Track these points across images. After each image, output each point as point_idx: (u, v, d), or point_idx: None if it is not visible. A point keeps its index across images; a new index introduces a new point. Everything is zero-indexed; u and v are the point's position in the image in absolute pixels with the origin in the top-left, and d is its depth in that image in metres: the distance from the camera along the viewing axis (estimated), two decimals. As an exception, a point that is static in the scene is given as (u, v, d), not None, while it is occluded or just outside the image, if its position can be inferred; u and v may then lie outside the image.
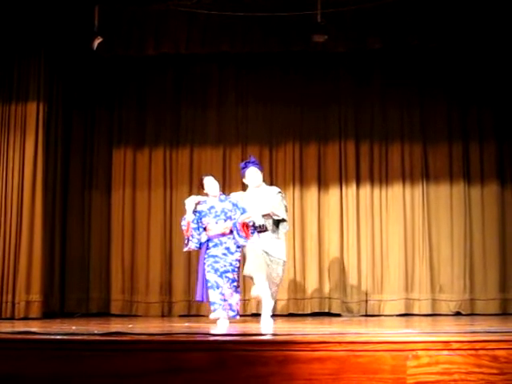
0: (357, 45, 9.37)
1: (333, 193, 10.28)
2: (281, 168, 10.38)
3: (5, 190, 8.99)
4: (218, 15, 8.91)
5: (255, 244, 7.78)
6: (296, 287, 10.06)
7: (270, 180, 9.92)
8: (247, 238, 7.60)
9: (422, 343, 4.66)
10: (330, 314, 9.93)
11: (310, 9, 8.52)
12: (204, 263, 7.57)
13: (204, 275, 7.54)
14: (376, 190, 10.30)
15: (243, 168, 8.29)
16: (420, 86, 10.38)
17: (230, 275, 7.52)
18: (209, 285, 7.49)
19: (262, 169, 8.37)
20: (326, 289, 10.09)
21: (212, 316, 7.43)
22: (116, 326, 7.15)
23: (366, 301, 10.02)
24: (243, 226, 7.57)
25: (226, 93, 10.53)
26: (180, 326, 7.22)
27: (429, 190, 10.27)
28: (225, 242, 7.60)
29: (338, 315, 9.89)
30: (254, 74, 10.46)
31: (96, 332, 5.32)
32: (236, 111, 10.47)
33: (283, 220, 8.03)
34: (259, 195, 8.06)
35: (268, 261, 7.88)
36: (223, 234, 7.61)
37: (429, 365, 4.57)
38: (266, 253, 7.90)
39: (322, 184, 10.33)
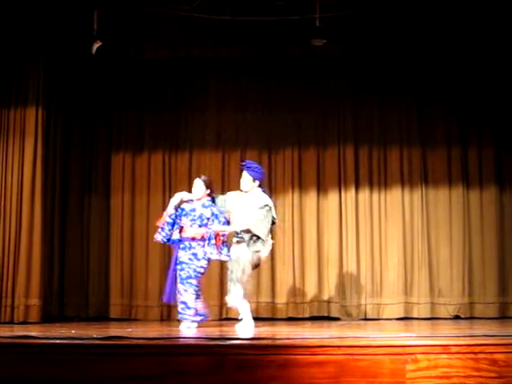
0: (355, 49, 9.40)
1: (332, 197, 10.28)
2: (280, 173, 10.37)
3: (4, 194, 8.98)
4: (217, 19, 8.92)
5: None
6: (295, 291, 10.06)
7: (269, 185, 9.91)
8: (217, 248, 7.54)
9: (420, 347, 4.67)
10: (329, 318, 9.93)
11: (308, 13, 8.52)
12: (175, 269, 7.62)
13: (173, 278, 7.60)
14: (375, 195, 10.31)
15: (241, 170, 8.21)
16: (419, 91, 10.39)
17: (193, 281, 7.50)
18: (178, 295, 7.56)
19: (255, 175, 7.96)
20: (325, 293, 10.09)
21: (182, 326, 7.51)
22: (115, 330, 7.16)
23: (365, 305, 10.02)
24: (216, 236, 7.55)
25: (224, 97, 10.53)
26: (179, 331, 7.22)
27: (428, 194, 10.28)
28: (193, 247, 7.59)
29: (337, 319, 9.89)
30: (252, 78, 10.47)
31: (95, 336, 5.33)
32: (235, 116, 10.47)
33: (259, 238, 7.71)
34: (246, 202, 7.89)
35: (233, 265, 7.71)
36: (193, 239, 7.61)
37: (428, 368, 4.58)
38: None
39: (321, 189, 10.33)
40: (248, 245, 7.71)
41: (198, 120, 10.45)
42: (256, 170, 8.02)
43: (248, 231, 7.69)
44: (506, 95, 10.14)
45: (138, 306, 10.09)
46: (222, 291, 10.08)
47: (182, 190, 10.15)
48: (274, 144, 10.40)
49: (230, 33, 9.17)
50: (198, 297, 7.58)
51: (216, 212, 7.70)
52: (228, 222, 7.78)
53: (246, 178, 7.95)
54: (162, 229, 7.72)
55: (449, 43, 9.22)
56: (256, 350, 4.66)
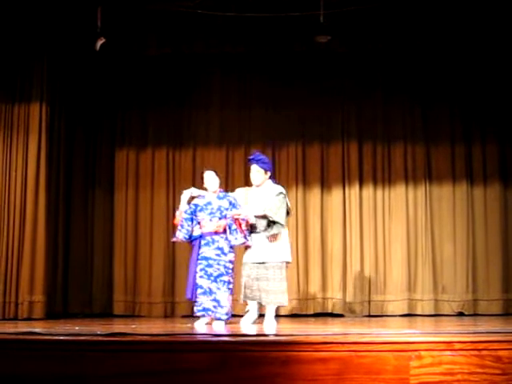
0: (360, 45, 9.38)
1: (336, 194, 10.28)
2: (284, 169, 10.37)
3: (8, 190, 8.99)
4: (221, 16, 8.91)
5: (248, 258, 7.50)
6: (299, 288, 10.07)
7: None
8: (242, 232, 7.37)
9: (424, 343, 4.66)
10: (332, 315, 9.94)
11: (313, 9, 8.51)
12: (196, 264, 7.43)
13: (195, 277, 7.41)
14: (379, 191, 10.31)
15: (248, 163, 7.95)
16: (423, 88, 10.38)
17: (226, 278, 7.37)
18: (200, 291, 7.35)
19: (266, 167, 7.71)
20: (329, 289, 10.10)
21: (199, 322, 7.34)
22: (119, 326, 7.16)
23: (369, 301, 10.03)
24: (236, 222, 7.38)
25: (228, 94, 10.54)
26: (183, 327, 7.22)
27: (431, 190, 10.27)
28: (217, 241, 7.43)
29: (341, 316, 9.90)
30: (256, 75, 10.46)
31: (99, 332, 5.32)
32: (239, 112, 10.47)
33: (275, 222, 7.50)
34: (260, 194, 7.66)
35: (263, 273, 7.45)
36: (216, 233, 7.44)
37: (432, 365, 4.57)
38: (261, 263, 7.47)
39: (325, 185, 10.33)
40: (265, 231, 7.49)
41: (201, 116, 10.46)
42: (266, 161, 7.78)
43: (264, 217, 7.49)
44: (509, 91, 10.12)
45: (142, 302, 10.11)
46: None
47: (185, 187, 10.17)
48: (278, 141, 10.39)
49: (233, 29, 9.15)
50: (231, 293, 7.44)
51: (233, 201, 7.54)
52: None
53: (258, 172, 7.67)
54: (182, 226, 7.54)
55: (453, 40, 9.20)
56: (260, 347, 4.65)
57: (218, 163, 10.29)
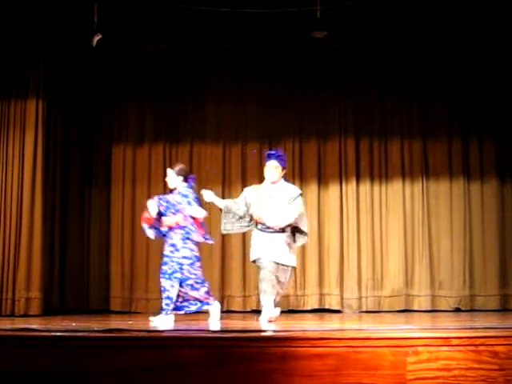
0: (356, 41, 9.37)
1: (333, 190, 10.28)
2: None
3: (4, 187, 8.99)
4: (217, 12, 8.89)
5: (265, 253, 7.16)
6: (296, 284, 10.06)
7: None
8: (199, 231, 7.30)
9: (421, 339, 4.66)
10: (329, 311, 9.95)
11: (309, 5, 8.50)
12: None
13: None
14: (376, 187, 10.31)
15: (266, 157, 7.58)
16: (419, 83, 10.39)
17: (178, 275, 7.25)
18: (162, 289, 7.36)
19: (284, 164, 7.48)
20: (326, 285, 10.11)
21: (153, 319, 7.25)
22: (116, 322, 7.16)
23: (366, 297, 10.04)
24: (194, 220, 7.30)
25: (225, 90, 10.53)
26: (179, 323, 7.21)
27: (428, 186, 10.28)
28: (171, 238, 7.33)
29: (338, 311, 9.91)
30: (253, 70, 10.45)
31: (96, 329, 5.33)
32: (235, 108, 10.47)
33: (303, 233, 7.32)
34: (276, 193, 7.35)
35: (276, 271, 7.16)
36: (170, 228, 7.35)
37: (428, 361, 4.57)
38: (276, 263, 7.16)
39: (322, 181, 10.34)
40: (288, 236, 7.26)
41: (198, 112, 10.45)
42: (285, 158, 7.56)
43: (289, 225, 7.22)
44: (507, 87, 10.12)
45: (139, 298, 10.11)
46: (224, 284, 10.11)
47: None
48: (275, 136, 10.39)
49: (230, 25, 9.15)
50: (193, 288, 7.31)
51: (186, 193, 7.41)
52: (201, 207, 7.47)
53: (277, 168, 7.40)
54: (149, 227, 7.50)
55: (450, 36, 9.20)
56: (256, 343, 4.65)
57: (214, 159, 10.33)
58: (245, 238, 10.07)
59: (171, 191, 7.65)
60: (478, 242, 10.15)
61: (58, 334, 4.97)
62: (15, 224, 8.91)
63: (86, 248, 10.23)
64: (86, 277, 10.16)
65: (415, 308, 9.96)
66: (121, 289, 10.12)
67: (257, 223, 7.33)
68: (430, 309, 9.90)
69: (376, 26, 9.17)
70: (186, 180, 7.59)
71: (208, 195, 7.44)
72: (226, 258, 10.22)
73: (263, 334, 5.15)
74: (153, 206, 7.39)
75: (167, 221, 7.39)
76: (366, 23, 9.14)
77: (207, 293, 7.42)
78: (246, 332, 5.30)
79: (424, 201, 10.23)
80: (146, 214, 7.47)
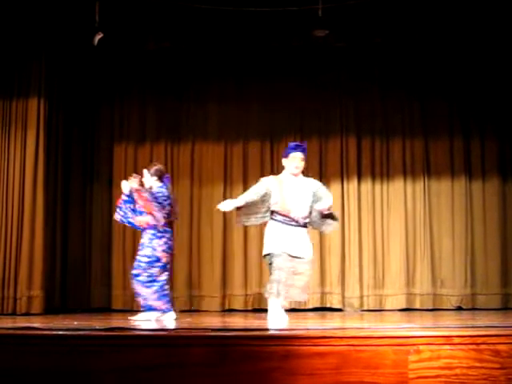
0: (358, 40, 9.36)
1: (334, 188, 10.25)
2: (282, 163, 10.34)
3: (6, 185, 9.00)
4: (219, 10, 8.89)
5: (285, 248, 7.01)
6: (297, 282, 10.04)
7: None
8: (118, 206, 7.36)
9: (423, 338, 4.65)
10: (331, 309, 9.95)
11: (310, 3, 8.49)
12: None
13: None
14: (377, 185, 10.31)
15: (291, 148, 7.36)
16: (421, 82, 10.39)
17: (137, 271, 7.29)
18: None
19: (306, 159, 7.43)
20: (328, 284, 10.11)
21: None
22: (117, 321, 7.16)
23: (368, 296, 10.03)
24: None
25: (226, 88, 10.53)
26: (181, 321, 7.22)
27: (430, 185, 10.28)
28: (142, 237, 7.39)
29: (340, 310, 9.91)
30: (254, 69, 10.44)
31: (97, 327, 5.33)
32: (237, 107, 10.47)
33: (334, 218, 7.38)
34: (299, 185, 7.23)
35: (293, 267, 7.07)
36: (144, 229, 7.39)
37: (430, 359, 4.57)
38: (295, 257, 7.08)
39: (324, 179, 10.27)
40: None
41: (200, 111, 10.46)
42: (306, 154, 7.48)
43: (320, 213, 7.18)
44: (508, 86, 10.11)
45: (141, 297, 10.09)
46: (225, 283, 10.10)
47: (183, 181, 10.20)
48: (277, 135, 10.39)
49: (232, 24, 9.14)
50: (152, 284, 7.28)
51: (155, 191, 7.34)
52: (170, 212, 7.43)
53: (303, 161, 7.31)
54: (120, 208, 7.53)
55: (451, 35, 9.19)
56: (258, 341, 4.65)
57: (216, 157, 10.34)
58: (245, 237, 10.10)
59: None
60: (479, 241, 10.15)
61: (60, 332, 4.97)
62: (17, 222, 8.92)
63: (88, 247, 10.23)
64: (88, 275, 10.17)
65: (417, 307, 9.96)
66: (122, 287, 10.10)
67: (278, 215, 7.15)
68: (431, 307, 9.90)
69: (377, 24, 9.16)
70: (160, 180, 7.54)
71: (226, 206, 7.20)
72: (227, 257, 10.21)
73: (265, 332, 5.14)
74: (125, 185, 7.44)
75: (138, 220, 7.43)
76: (367, 22, 9.13)
77: (156, 292, 7.32)
78: (247, 331, 5.30)
79: (425, 199, 10.23)
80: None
